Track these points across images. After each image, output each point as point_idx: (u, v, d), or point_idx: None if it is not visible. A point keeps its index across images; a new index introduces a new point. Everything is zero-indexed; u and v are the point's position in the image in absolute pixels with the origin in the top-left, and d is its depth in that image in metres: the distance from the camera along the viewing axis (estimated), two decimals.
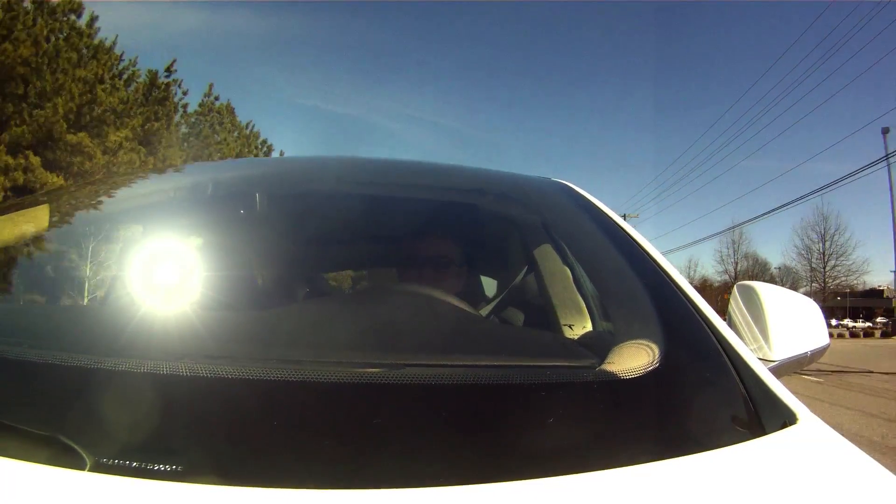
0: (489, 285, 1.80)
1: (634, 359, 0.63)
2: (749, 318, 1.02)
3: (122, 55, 14.46)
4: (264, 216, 1.27)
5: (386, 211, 1.44)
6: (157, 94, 15.06)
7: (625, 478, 0.49)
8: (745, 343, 0.82)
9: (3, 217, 1.08)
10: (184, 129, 17.11)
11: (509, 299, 1.38)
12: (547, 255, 1.21)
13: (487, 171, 1.34)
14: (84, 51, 13.26)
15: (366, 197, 1.29)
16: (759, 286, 1.05)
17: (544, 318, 1.15)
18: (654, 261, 0.89)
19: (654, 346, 0.65)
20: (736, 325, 1.03)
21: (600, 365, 0.63)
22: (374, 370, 0.61)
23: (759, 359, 0.80)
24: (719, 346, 0.70)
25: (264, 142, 19.72)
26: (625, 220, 1.10)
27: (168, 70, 15.37)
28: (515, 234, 1.41)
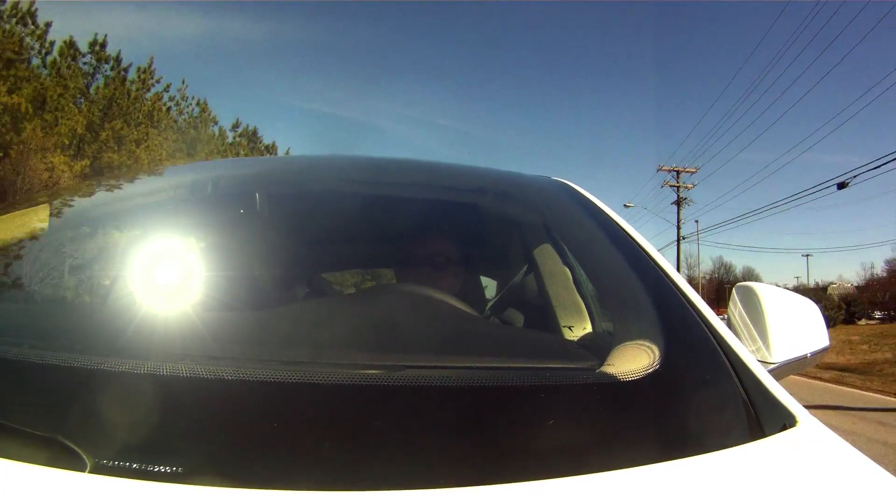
0: (489, 285, 1.80)
1: (634, 361, 0.63)
2: (748, 320, 1.01)
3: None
4: (263, 215, 1.26)
5: (384, 210, 1.43)
6: None
7: (624, 480, 0.49)
8: (745, 345, 0.82)
9: (3, 217, 1.08)
10: None
11: (509, 299, 1.38)
12: (547, 255, 1.21)
13: (486, 169, 1.33)
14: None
15: (364, 196, 1.29)
16: (758, 287, 1.05)
17: (544, 318, 1.15)
18: (654, 261, 0.89)
19: (654, 348, 0.65)
20: (735, 327, 1.03)
21: (600, 367, 0.63)
22: (374, 371, 0.61)
23: (759, 361, 0.80)
24: (719, 348, 0.70)
25: None
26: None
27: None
28: (515, 233, 1.41)
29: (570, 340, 1.00)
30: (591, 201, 1.12)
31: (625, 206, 29.70)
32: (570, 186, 1.21)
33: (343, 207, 1.31)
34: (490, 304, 1.47)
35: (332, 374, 0.60)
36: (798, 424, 0.61)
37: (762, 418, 0.61)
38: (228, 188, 1.25)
